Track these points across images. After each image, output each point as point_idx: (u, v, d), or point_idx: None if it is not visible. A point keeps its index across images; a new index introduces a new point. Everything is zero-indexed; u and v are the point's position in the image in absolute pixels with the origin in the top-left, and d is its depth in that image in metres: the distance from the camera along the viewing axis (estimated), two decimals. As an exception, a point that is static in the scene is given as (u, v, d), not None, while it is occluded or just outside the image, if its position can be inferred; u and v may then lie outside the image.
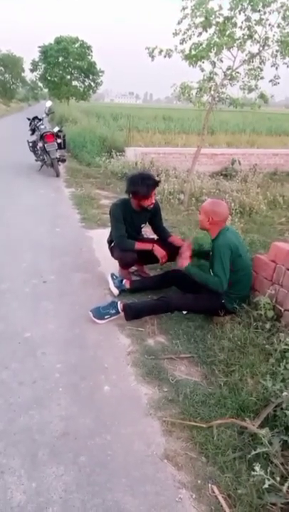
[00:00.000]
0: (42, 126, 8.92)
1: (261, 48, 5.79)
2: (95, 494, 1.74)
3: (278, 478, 1.65)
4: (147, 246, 3.53)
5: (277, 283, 2.95)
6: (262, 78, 6.04)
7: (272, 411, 2.06)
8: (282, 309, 2.86)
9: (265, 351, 2.56)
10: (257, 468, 1.62)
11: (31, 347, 2.77)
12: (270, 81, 6.00)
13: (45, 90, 43.32)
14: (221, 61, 5.94)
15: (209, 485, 1.80)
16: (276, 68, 5.86)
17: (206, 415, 2.17)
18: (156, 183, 3.49)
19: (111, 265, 4.04)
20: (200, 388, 2.40)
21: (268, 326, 2.76)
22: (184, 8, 5.68)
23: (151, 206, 3.59)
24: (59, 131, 8.89)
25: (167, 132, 16.34)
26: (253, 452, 1.81)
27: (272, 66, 5.87)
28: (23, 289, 3.60)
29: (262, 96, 6.12)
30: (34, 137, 9.18)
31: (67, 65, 33.76)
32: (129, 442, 2.02)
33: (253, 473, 1.66)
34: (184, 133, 16.44)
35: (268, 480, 1.61)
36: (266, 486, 1.62)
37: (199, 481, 1.82)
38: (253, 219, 6.09)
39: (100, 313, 3.10)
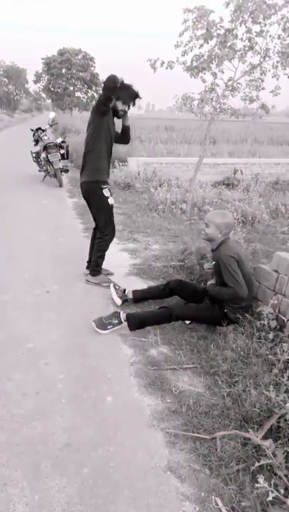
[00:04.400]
0: (45, 137, 9.02)
1: (262, 59, 5.86)
2: (97, 507, 1.73)
3: (282, 491, 1.64)
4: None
5: (280, 293, 2.95)
6: (263, 89, 6.10)
7: (276, 422, 2.05)
8: (285, 319, 2.85)
9: (269, 362, 2.55)
10: (261, 480, 1.61)
11: (34, 357, 2.77)
12: (271, 92, 6.06)
13: (49, 101, 43.87)
14: (222, 72, 6.02)
15: (213, 497, 1.79)
16: (277, 79, 5.93)
17: (209, 426, 2.16)
18: (137, 96, 3.66)
19: (113, 275, 4.06)
20: (203, 399, 2.39)
21: (271, 336, 2.76)
22: (185, 21, 5.77)
23: (122, 113, 3.69)
24: (62, 141, 8.99)
25: (169, 142, 16.48)
26: (257, 464, 1.80)
27: (273, 77, 5.93)
28: (25, 299, 3.61)
29: (263, 106, 6.18)
30: (37, 148, 9.27)
31: (71, 76, 34.20)
32: (132, 454, 2.02)
33: (256, 485, 1.64)
34: (186, 143, 16.57)
35: (272, 492, 1.60)
36: (270, 498, 1.60)
37: (203, 494, 1.81)
38: (255, 228, 6.10)
39: (102, 323, 3.10)
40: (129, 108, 3.73)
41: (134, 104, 3.73)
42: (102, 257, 3.98)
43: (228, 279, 2.93)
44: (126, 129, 3.92)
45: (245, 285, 2.92)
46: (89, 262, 4.15)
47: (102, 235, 3.91)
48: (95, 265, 3.98)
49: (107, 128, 3.65)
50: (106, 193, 3.74)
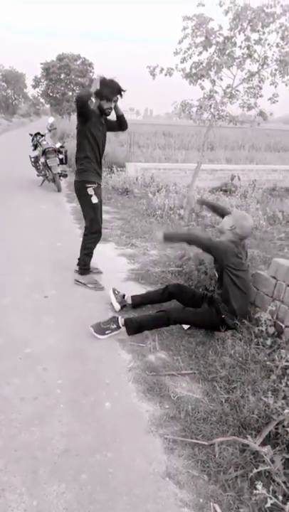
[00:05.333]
0: (44, 142, 9.03)
1: (260, 67, 5.91)
2: (96, 513, 1.73)
3: (280, 497, 1.64)
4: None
5: (278, 299, 2.97)
6: (261, 96, 6.15)
7: (274, 429, 2.05)
8: (283, 326, 2.87)
9: (267, 368, 2.56)
10: (259, 486, 1.62)
11: (32, 362, 2.76)
12: (269, 99, 6.11)
13: (47, 106, 44.03)
14: (221, 79, 6.07)
15: (211, 504, 1.79)
16: (275, 87, 5.98)
17: (207, 432, 2.16)
18: (121, 90, 3.78)
19: (112, 280, 4.06)
20: (201, 405, 2.39)
21: (269, 342, 2.77)
22: (184, 28, 5.82)
23: (109, 111, 3.84)
24: (61, 146, 9.01)
25: (167, 148, 16.55)
26: (255, 470, 1.80)
27: (271, 84, 5.98)
28: (24, 304, 3.61)
29: (261, 113, 6.23)
30: (36, 152, 9.29)
31: (69, 81, 34.34)
32: (130, 460, 2.01)
33: (255, 491, 1.65)
34: (184, 149, 16.65)
35: (270, 499, 1.61)
36: (268, 505, 1.61)
37: (201, 500, 1.81)
38: (252, 234, 6.11)
39: (100, 328, 3.10)
40: (116, 101, 3.83)
41: (121, 96, 3.84)
42: (90, 255, 4.12)
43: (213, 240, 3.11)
44: (120, 118, 4.06)
45: (206, 241, 3.08)
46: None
47: (90, 232, 4.05)
48: (82, 264, 4.13)
49: (90, 134, 3.78)
50: (90, 191, 3.89)
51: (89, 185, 3.89)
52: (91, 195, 3.91)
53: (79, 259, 4.17)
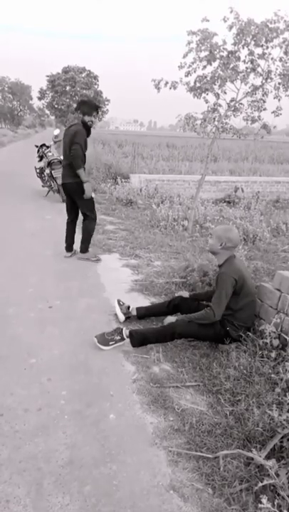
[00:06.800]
0: (49, 154, 9.13)
1: (264, 81, 5.98)
2: (100, 525, 1.72)
3: (286, 511, 1.64)
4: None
5: (283, 311, 2.97)
6: (264, 109, 6.22)
7: (279, 442, 2.05)
8: (288, 338, 2.86)
9: (271, 381, 2.55)
10: (264, 500, 1.61)
11: (37, 373, 2.77)
12: (273, 112, 6.17)
13: (52, 118, 44.54)
14: (225, 93, 6.14)
15: (216, 517, 1.78)
16: (278, 100, 6.05)
17: (212, 445, 2.16)
18: (98, 107, 4.87)
19: (116, 291, 4.08)
20: (206, 418, 2.39)
21: (273, 354, 2.76)
22: (189, 43, 5.91)
23: (91, 123, 4.72)
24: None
25: (171, 159, 16.67)
26: (260, 484, 1.79)
27: (274, 98, 6.05)
28: (28, 314, 3.62)
29: (265, 126, 6.29)
30: (41, 164, 9.38)
31: (74, 93, 34.78)
32: (134, 472, 2.01)
33: (260, 505, 1.64)
34: (188, 160, 16.76)
35: (276, 513, 1.60)
36: (274, 519, 1.60)
37: (206, 514, 1.80)
38: (256, 246, 6.13)
39: (104, 339, 3.11)
40: (95, 117, 4.77)
41: (97, 113, 4.79)
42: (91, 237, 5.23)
43: (216, 296, 2.99)
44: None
45: (220, 312, 2.97)
46: (67, 246, 5.20)
47: (93, 219, 5.14)
48: (87, 246, 5.12)
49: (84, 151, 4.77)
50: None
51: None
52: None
53: (83, 244, 5.09)
